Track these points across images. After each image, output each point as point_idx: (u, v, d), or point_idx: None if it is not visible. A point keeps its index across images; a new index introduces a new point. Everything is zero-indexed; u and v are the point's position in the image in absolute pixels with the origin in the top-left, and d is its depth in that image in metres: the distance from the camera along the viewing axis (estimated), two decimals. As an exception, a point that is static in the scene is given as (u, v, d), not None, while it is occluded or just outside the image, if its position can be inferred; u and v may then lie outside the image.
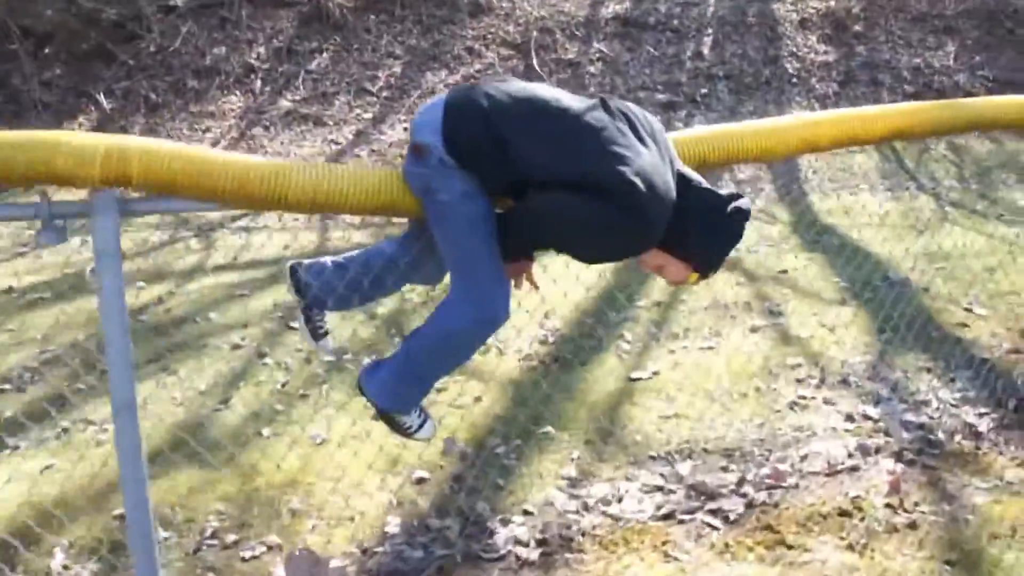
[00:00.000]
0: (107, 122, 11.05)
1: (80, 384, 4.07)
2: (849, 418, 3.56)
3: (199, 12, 12.50)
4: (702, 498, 2.97)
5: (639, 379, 3.96)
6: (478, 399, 3.81)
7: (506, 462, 3.26)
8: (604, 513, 2.91)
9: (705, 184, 2.24)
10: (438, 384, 3.60)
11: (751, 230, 6.46)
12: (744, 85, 11.02)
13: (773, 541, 2.72)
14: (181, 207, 2.16)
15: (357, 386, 2.49)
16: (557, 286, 4.49)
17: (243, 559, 2.74)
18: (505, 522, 2.86)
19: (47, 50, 11.66)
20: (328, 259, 2.58)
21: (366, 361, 3.51)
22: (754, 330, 4.52)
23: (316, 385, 3.98)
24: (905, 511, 2.88)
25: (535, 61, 11.49)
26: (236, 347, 4.46)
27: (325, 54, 12.28)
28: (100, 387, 4.00)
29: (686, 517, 2.86)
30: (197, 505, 3.03)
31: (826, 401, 3.72)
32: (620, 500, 2.98)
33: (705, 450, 3.34)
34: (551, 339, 4.47)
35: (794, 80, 11.07)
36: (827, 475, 3.12)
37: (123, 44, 11.99)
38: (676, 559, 2.64)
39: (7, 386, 4.13)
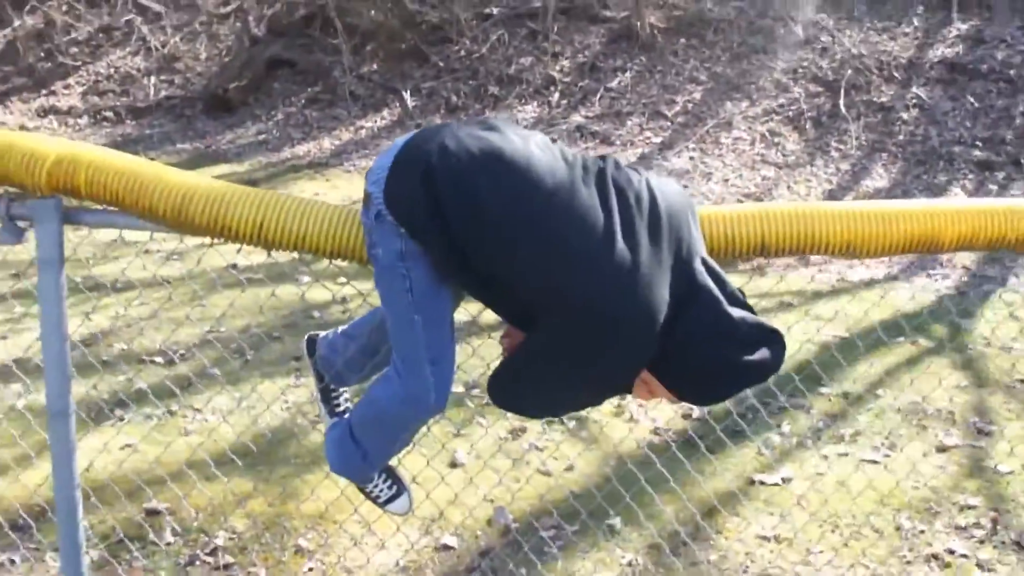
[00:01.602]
0: (407, 118, 11.64)
1: (215, 370, 4.19)
2: (996, 595, 2.81)
3: (512, 21, 12.84)
4: (734, 653, 2.44)
5: (762, 483, 3.40)
6: (569, 468, 3.44)
7: (547, 549, 2.89)
8: (611, 641, 2.48)
9: (720, 298, 1.75)
10: (534, 440, 3.32)
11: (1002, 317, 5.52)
12: (1080, 154, 9.50)
13: None
14: (124, 223, 2.05)
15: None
16: None
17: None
18: (492, 621, 2.52)
19: (368, 47, 12.48)
20: (339, 330, 2.36)
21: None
22: (941, 449, 3.75)
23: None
24: None
25: (842, 101, 10.64)
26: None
27: (627, 73, 12.15)
28: (227, 376, 4.09)
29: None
30: (219, 517, 2.96)
31: (980, 565, 2.97)
32: (641, 629, 2.53)
33: (784, 590, 2.77)
34: (696, 414, 3.98)
35: None
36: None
37: (436, 46, 12.58)
38: None
39: (159, 359, 4.34)
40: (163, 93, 12.51)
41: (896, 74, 11.06)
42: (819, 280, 6.72)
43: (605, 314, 1.68)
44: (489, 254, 1.76)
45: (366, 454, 2.12)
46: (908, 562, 2.96)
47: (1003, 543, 3.10)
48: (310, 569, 2.73)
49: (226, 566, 2.72)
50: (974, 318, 5.57)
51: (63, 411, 2.10)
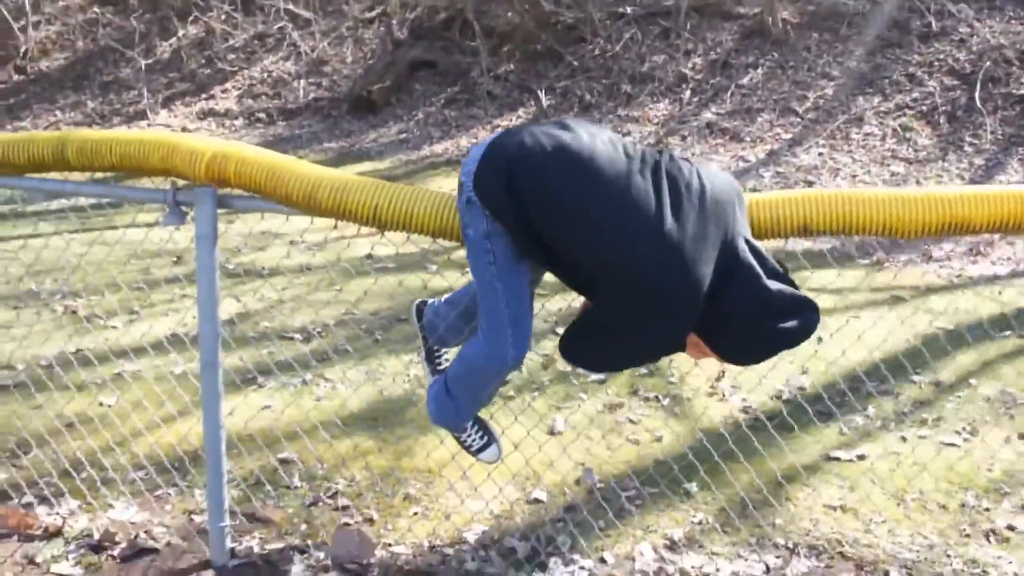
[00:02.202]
0: (542, 116, 12.02)
1: (348, 346, 4.68)
2: (1049, 566, 2.96)
3: (645, 20, 13.05)
4: (782, 600, 2.71)
5: (837, 459, 3.62)
6: (659, 439, 3.76)
7: (627, 506, 3.21)
8: (673, 583, 2.79)
9: (759, 273, 2.06)
10: (629, 414, 3.67)
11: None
12: None
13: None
14: (266, 207, 2.50)
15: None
16: (822, 344, 4.25)
17: (337, 523, 3.06)
18: (568, 562, 2.86)
19: (504, 48, 12.95)
20: (442, 298, 2.77)
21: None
22: (1022, 437, 3.86)
23: (528, 390, 4.19)
24: None
25: (977, 94, 10.43)
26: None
27: (759, 69, 12.20)
28: (356, 353, 4.57)
29: (745, 613, 2.64)
30: (341, 468, 3.42)
31: (1040, 539, 3.13)
32: (702, 576, 2.83)
33: (841, 554, 3.01)
34: (786, 395, 4.21)
35: None
36: (953, 619, 2.67)
37: (570, 46, 12.92)
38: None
39: (298, 336, 4.87)
40: (312, 95, 13.33)
41: (1040, 63, 10.74)
42: (940, 275, 6.74)
43: (654, 285, 2.01)
44: (557, 233, 2.11)
45: (458, 405, 2.51)
46: (966, 535, 3.13)
47: (1069, 522, 3.23)
48: (415, 513, 3.14)
49: (344, 507, 3.17)
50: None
51: (212, 362, 2.58)
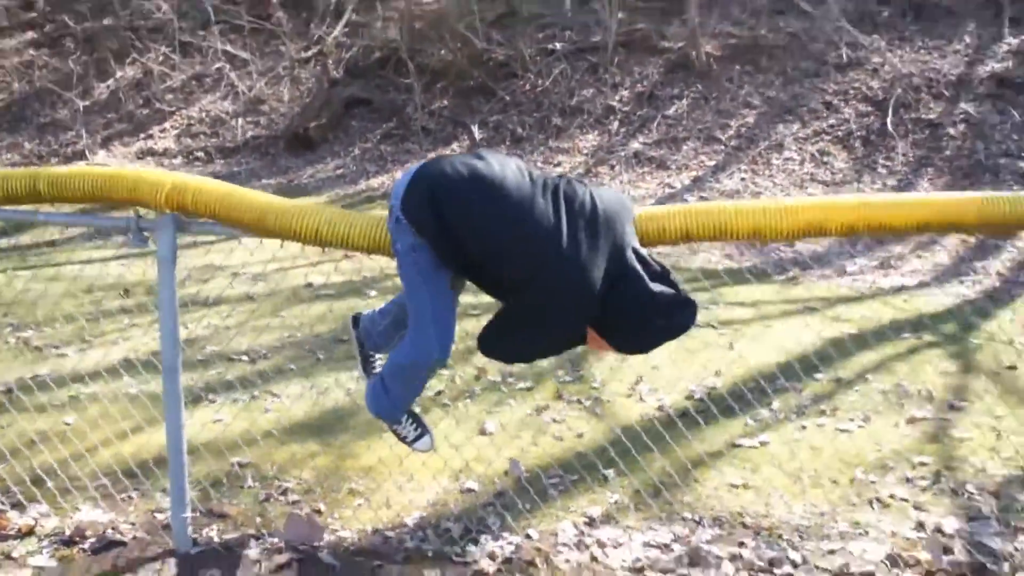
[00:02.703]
0: (475, 149, 12.42)
1: (292, 365, 4.98)
2: (920, 526, 3.38)
3: (574, 55, 13.57)
4: (686, 562, 3.08)
5: (741, 446, 4.02)
6: (580, 435, 4.12)
7: (551, 492, 3.57)
8: (591, 554, 3.14)
9: (644, 277, 2.44)
10: (555, 415, 4.03)
11: None
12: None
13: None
14: (220, 231, 2.83)
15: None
16: (734, 350, 4.66)
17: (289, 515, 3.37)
18: (497, 537, 3.21)
19: (438, 85, 13.37)
20: (376, 309, 3.14)
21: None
22: (910, 421, 4.30)
23: (462, 398, 4.53)
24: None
25: (889, 120, 11.08)
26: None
27: (684, 100, 12.75)
28: (300, 371, 4.88)
29: (652, 574, 3.00)
30: (290, 469, 3.73)
31: (917, 507, 3.54)
32: (617, 547, 3.18)
33: (742, 524, 3.39)
34: (698, 395, 4.61)
35: None
36: (832, 574, 3.06)
37: (502, 81, 13.39)
38: (604, 604, 2.83)
39: (245, 358, 5.17)
40: (249, 133, 13.61)
41: (945, 91, 11.44)
42: (852, 287, 7.23)
43: (553, 289, 2.40)
44: (471, 246, 2.48)
45: (393, 398, 2.85)
46: (853, 504, 3.55)
47: (942, 491, 3.66)
48: (359, 504, 3.46)
49: (294, 502, 3.48)
50: (989, 317, 6.03)
51: (173, 367, 2.89)
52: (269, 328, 5.67)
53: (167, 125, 14.22)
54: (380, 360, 3.15)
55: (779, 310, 6.36)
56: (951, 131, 10.90)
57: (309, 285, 6.74)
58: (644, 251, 2.54)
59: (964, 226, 2.74)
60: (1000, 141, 10.55)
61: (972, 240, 8.79)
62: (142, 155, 13.65)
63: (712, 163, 11.48)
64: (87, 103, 14.53)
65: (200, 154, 13.44)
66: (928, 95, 11.47)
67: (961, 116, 11.02)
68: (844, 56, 12.16)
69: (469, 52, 13.26)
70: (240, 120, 13.92)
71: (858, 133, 11.26)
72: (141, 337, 5.53)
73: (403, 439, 3.04)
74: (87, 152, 13.58)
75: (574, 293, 2.39)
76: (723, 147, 11.74)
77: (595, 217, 2.47)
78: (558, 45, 13.59)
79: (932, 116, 11.11)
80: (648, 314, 2.42)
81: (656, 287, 2.43)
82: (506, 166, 2.56)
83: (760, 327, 5.75)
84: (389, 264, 5.52)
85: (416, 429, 3.02)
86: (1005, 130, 10.69)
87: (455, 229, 2.48)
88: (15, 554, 3.08)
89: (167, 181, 2.80)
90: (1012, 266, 7.80)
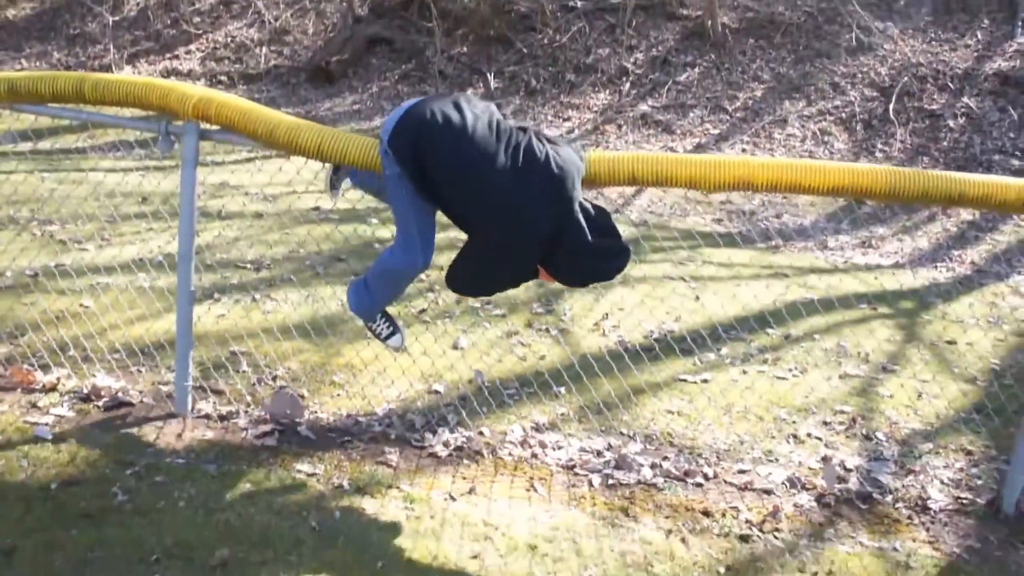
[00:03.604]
0: (488, 98, 12.78)
1: (293, 276, 5.46)
2: (825, 460, 3.85)
3: (593, 14, 13.86)
4: (613, 465, 3.57)
5: (684, 380, 4.49)
6: (542, 358, 4.60)
7: (507, 400, 4.06)
8: (532, 452, 3.63)
9: (584, 228, 2.89)
10: (522, 340, 4.50)
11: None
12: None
13: (618, 508, 3.28)
14: (237, 140, 3.28)
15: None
16: (699, 302, 5.12)
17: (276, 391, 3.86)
18: (453, 430, 3.70)
19: (459, 31, 13.70)
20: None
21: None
22: (842, 377, 4.77)
23: (442, 318, 5.01)
24: (761, 532, 3.26)
25: (892, 106, 11.40)
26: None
27: (696, 69, 13.06)
28: (300, 281, 5.36)
29: (581, 472, 3.50)
30: (281, 360, 4.22)
31: (828, 445, 4.02)
32: (556, 449, 3.67)
33: (671, 443, 3.88)
34: (656, 336, 5.08)
35: None
36: (737, 487, 3.54)
37: (521, 33, 13.70)
38: (534, 491, 3.32)
39: (249, 266, 5.64)
40: (272, 62, 13.97)
41: (950, 83, 11.73)
42: (829, 260, 7.65)
43: (505, 231, 2.86)
44: (442, 186, 2.94)
45: (373, 298, 3.32)
46: (773, 438, 4.03)
47: (854, 435, 4.14)
48: (339, 394, 3.95)
49: (281, 387, 3.97)
50: (951, 300, 6.45)
51: (187, 255, 3.36)
52: (275, 243, 6.13)
53: (193, 47, 14.57)
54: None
55: (752, 272, 6.80)
56: (951, 123, 11.23)
57: (316, 209, 7.19)
58: (588, 204, 3.00)
59: (874, 195, 3.19)
60: (997, 138, 10.89)
61: (954, 229, 9.21)
62: (166, 74, 14.02)
63: (716, 132, 11.83)
64: (116, 18, 14.88)
65: (223, 78, 13.81)
66: (933, 86, 11.77)
67: (962, 110, 11.33)
68: (856, 40, 12.43)
69: (492, 2, 13.57)
70: (264, 48, 14.27)
71: (861, 116, 11.58)
72: (155, 240, 6.00)
73: (377, 335, 3.51)
74: (113, 67, 13.97)
75: (524, 237, 2.86)
76: (728, 117, 12.07)
77: (549, 174, 2.90)
78: (579, 3, 13.87)
79: (934, 107, 11.42)
80: (584, 259, 2.91)
81: (595, 238, 2.90)
82: (479, 119, 2.98)
83: (731, 286, 6.20)
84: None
85: (389, 327, 3.49)
86: (1003, 127, 11.00)
87: (428, 169, 2.93)
88: (40, 404, 3.58)
89: (195, 93, 3.24)
90: (987, 257, 8.21)
